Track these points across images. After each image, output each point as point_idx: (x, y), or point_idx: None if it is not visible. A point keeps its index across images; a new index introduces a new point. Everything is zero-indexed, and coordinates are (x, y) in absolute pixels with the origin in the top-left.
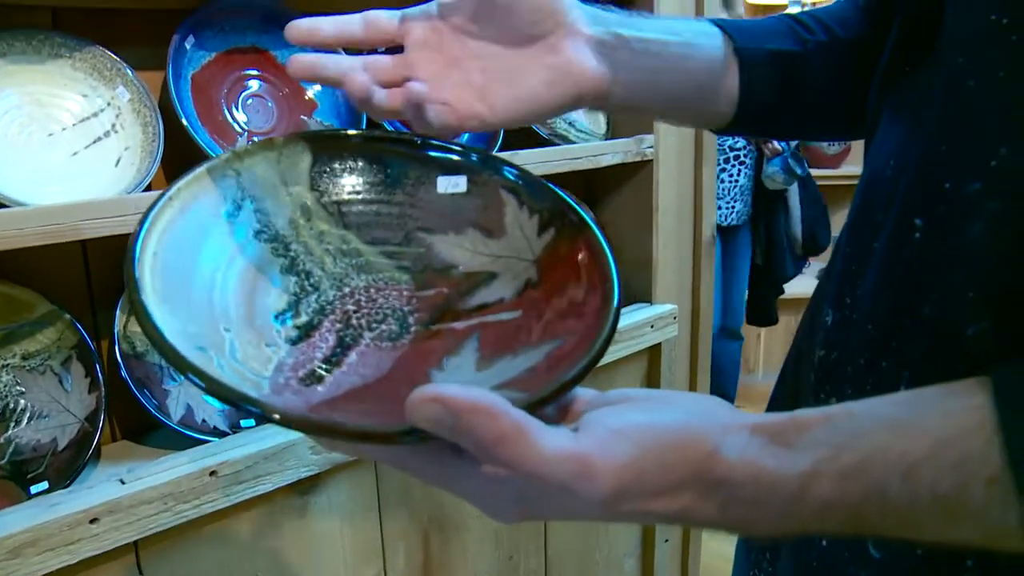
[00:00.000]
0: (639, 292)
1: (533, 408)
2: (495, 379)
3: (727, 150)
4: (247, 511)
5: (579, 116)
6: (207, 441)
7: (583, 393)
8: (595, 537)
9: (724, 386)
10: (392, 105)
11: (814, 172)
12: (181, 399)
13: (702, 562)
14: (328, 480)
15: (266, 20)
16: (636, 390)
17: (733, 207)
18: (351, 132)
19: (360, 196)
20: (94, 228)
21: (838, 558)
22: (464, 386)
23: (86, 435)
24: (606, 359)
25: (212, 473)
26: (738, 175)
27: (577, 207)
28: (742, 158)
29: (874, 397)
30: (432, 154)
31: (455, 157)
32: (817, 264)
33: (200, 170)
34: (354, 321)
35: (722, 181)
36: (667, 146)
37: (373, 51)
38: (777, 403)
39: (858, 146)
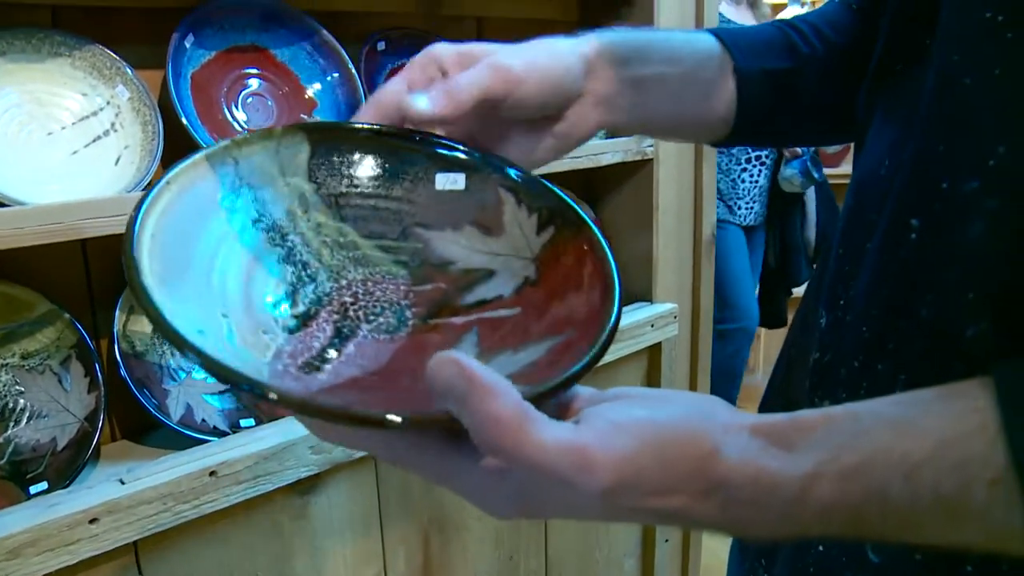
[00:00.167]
0: (639, 291)
1: (536, 400)
2: (499, 372)
3: (748, 151)
4: (247, 511)
5: None
6: (207, 441)
7: (582, 391)
8: (595, 537)
9: (730, 389)
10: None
11: None
12: (181, 399)
13: (702, 562)
14: (328, 480)
15: (266, 18)
16: (635, 388)
17: (752, 208)
18: (351, 125)
19: (358, 190)
20: (94, 227)
21: (835, 563)
22: (483, 366)
23: (85, 435)
24: (606, 358)
25: (212, 473)
26: (758, 176)
27: (576, 207)
28: (763, 159)
29: (875, 398)
30: (431, 150)
31: (454, 154)
32: None
33: (198, 156)
34: (351, 313)
35: (743, 181)
36: (667, 145)
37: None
38: (768, 407)
39: None
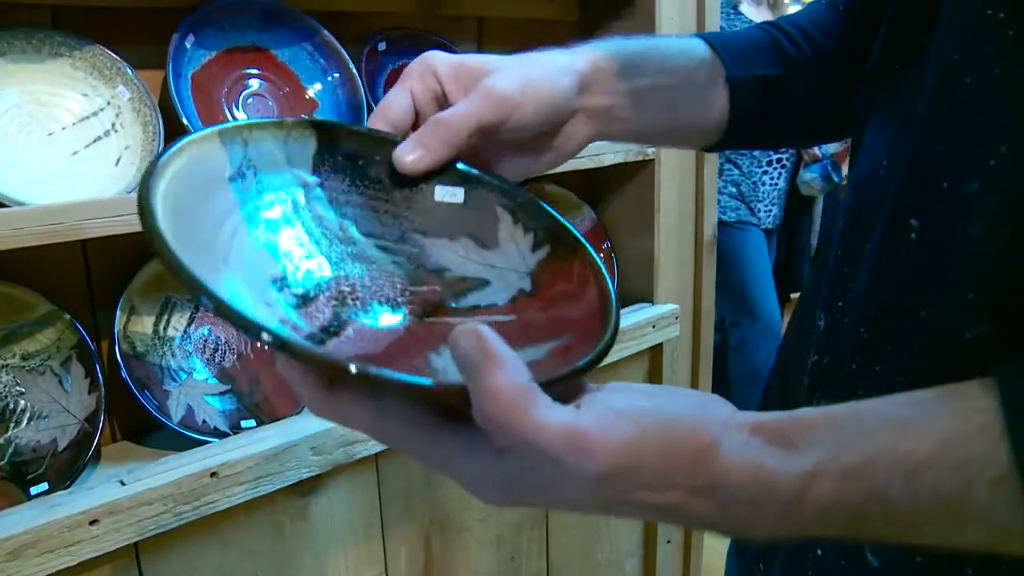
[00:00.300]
0: (640, 292)
1: (545, 387)
2: None
3: (770, 153)
4: (248, 512)
5: None
6: (207, 442)
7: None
8: (597, 537)
9: (757, 395)
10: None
11: None
12: (182, 400)
13: (704, 562)
14: (329, 481)
15: (266, 18)
16: (637, 384)
17: (771, 211)
18: (359, 129)
19: (359, 190)
20: (94, 228)
21: (834, 567)
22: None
23: (86, 436)
24: (608, 359)
25: (213, 474)
26: (778, 178)
27: (572, 229)
28: (783, 162)
29: (876, 398)
30: None
31: (455, 169)
32: None
33: (212, 130)
34: (349, 302)
35: (763, 184)
36: None
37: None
38: (766, 411)
39: None
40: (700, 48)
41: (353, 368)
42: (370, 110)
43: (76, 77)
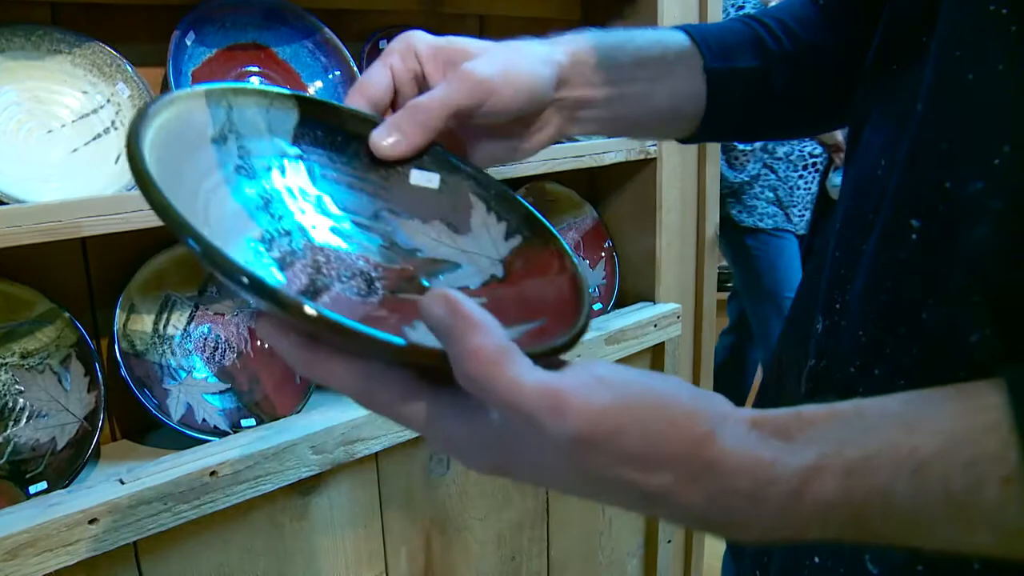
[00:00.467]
0: (642, 291)
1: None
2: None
3: (806, 156)
4: (247, 512)
5: None
6: (207, 441)
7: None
8: (598, 537)
9: None
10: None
11: None
12: (181, 398)
13: (705, 563)
14: (329, 480)
15: (267, 16)
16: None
17: (804, 216)
18: (340, 107)
19: (336, 166)
20: (94, 225)
21: (832, 574)
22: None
23: (85, 434)
24: (609, 358)
25: (212, 473)
26: (812, 182)
27: (545, 221)
28: (817, 165)
29: (880, 396)
30: None
31: (433, 153)
32: None
33: (198, 89)
34: (324, 270)
35: (798, 188)
36: (670, 144)
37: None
38: None
39: None
40: (679, 39)
41: (311, 310)
42: None
43: (76, 74)
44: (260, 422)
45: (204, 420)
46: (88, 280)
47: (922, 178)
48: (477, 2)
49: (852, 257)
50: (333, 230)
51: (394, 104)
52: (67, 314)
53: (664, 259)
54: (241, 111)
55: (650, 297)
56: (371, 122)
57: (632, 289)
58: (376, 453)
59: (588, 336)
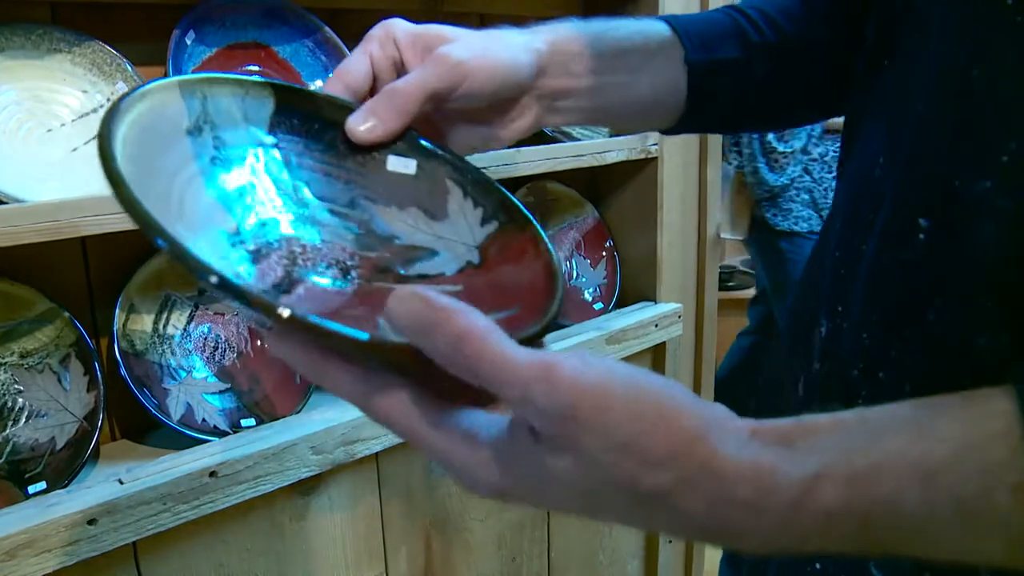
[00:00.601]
0: (643, 291)
1: None
2: None
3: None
4: (247, 512)
5: None
6: (207, 441)
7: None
8: (599, 538)
9: None
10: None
11: None
12: (181, 398)
13: (706, 566)
14: (329, 481)
15: (267, 15)
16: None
17: None
18: (317, 94)
19: (313, 154)
20: (93, 225)
21: None
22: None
23: (85, 434)
24: (610, 358)
25: (212, 473)
26: None
27: (521, 206)
28: None
29: (884, 405)
30: None
31: (410, 139)
32: None
33: (172, 80)
34: (300, 261)
35: (832, 189)
36: (672, 143)
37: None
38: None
39: None
40: (661, 29)
41: (285, 312)
42: None
43: (75, 73)
44: (260, 422)
45: (204, 420)
46: (88, 279)
47: (928, 178)
48: (477, 1)
49: (852, 258)
50: (309, 219)
51: (373, 91)
52: (66, 313)
53: (665, 259)
54: (216, 101)
55: (651, 297)
56: (348, 109)
57: (633, 289)
58: (376, 453)
59: (589, 335)
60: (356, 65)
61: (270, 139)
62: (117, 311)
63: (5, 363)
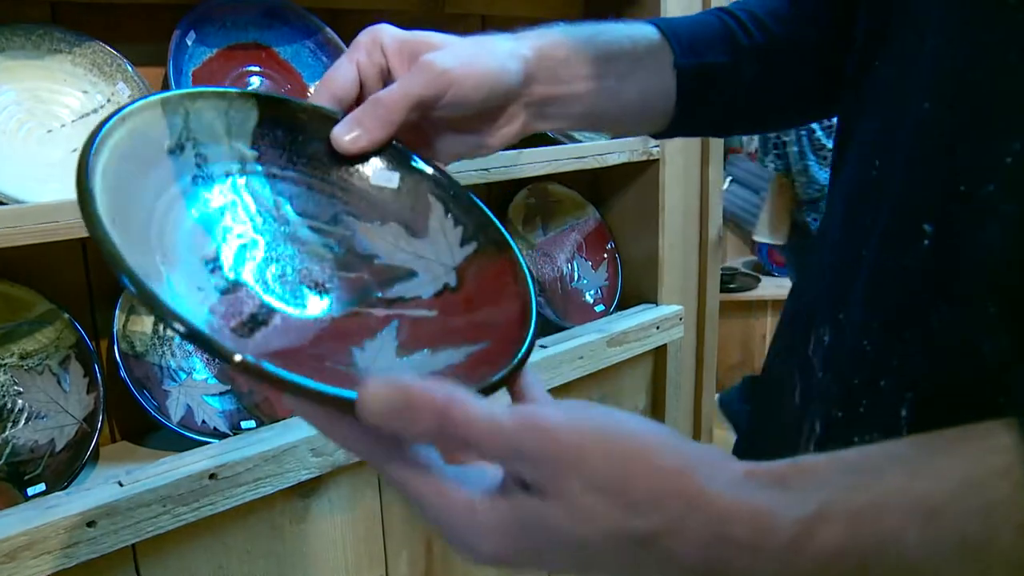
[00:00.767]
0: (644, 293)
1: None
2: (417, 369)
3: None
4: (247, 514)
5: None
6: (207, 443)
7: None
8: None
9: None
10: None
11: None
12: (181, 400)
13: None
14: (329, 483)
15: (267, 16)
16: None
17: None
18: (302, 105)
19: (296, 168)
20: None
21: None
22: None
23: (84, 436)
24: (611, 360)
25: (212, 476)
26: None
27: (501, 227)
28: None
29: (883, 442)
30: None
31: (394, 152)
32: None
33: (154, 98)
34: (278, 286)
35: None
36: (673, 145)
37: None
38: (754, 437)
39: None
40: (649, 33)
41: (237, 357)
42: None
43: (76, 74)
44: (260, 424)
45: (204, 422)
46: (88, 281)
47: (929, 180)
48: (479, 2)
49: (851, 262)
50: (290, 237)
51: (361, 99)
52: (66, 315)
53: (667, 261)
54: (199, 116)
55: (652, 299)
56: (333, 119)
57: (634, 291)
58: None
59: (590, 337)
60: (342, 73)
61: (252, 153)
62: (117, 312)
63: (5, 364)
